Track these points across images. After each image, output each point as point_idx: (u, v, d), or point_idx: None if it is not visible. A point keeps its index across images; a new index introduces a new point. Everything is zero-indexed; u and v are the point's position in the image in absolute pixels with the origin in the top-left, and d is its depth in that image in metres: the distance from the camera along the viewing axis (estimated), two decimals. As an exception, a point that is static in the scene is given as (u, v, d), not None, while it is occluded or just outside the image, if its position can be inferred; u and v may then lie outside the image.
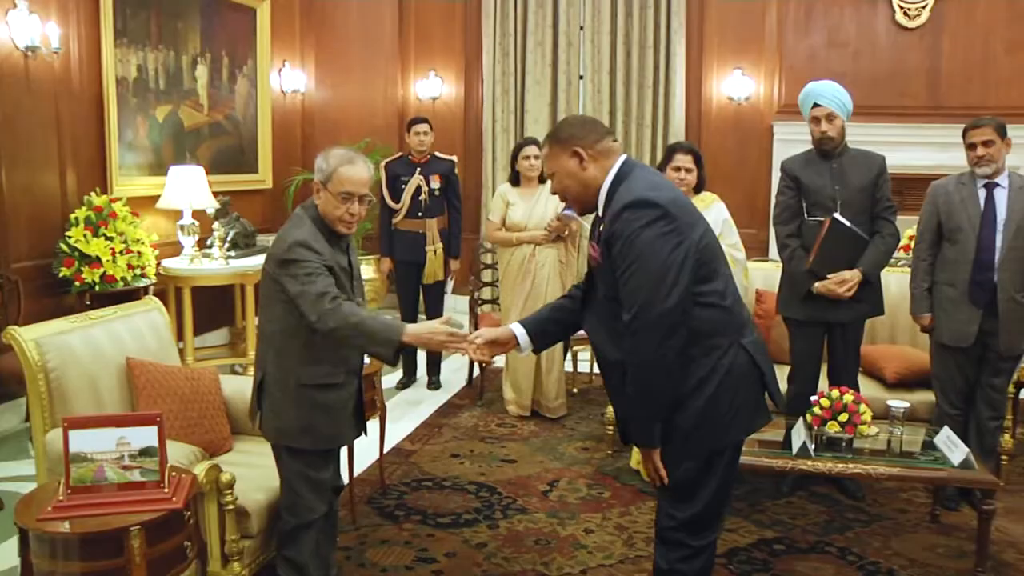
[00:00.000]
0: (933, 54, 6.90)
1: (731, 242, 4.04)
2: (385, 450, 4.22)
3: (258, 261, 5.99)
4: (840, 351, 3.96)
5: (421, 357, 5.83)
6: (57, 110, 4.97)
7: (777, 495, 3.96)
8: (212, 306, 6.08)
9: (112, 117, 5.27)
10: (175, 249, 5.65)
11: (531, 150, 4.89)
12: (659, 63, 7.03)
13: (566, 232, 4.85)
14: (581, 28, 7.20)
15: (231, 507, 2.70)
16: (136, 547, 2.15)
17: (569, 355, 5.45)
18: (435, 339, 2.61)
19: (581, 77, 7.28)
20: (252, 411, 2.82)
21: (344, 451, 3.27)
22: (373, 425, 3.53)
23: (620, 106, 7.12)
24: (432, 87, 7.61)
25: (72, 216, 4.93)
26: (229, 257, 5.76)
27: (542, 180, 4.92)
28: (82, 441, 2.25)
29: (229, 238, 5.92)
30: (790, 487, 4.01)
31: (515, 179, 5.01)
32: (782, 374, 4.14)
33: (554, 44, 7.22)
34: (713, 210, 4.05)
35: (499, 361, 5.46)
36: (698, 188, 4.06)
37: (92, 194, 5.03)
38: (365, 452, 3.95)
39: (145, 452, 2.29)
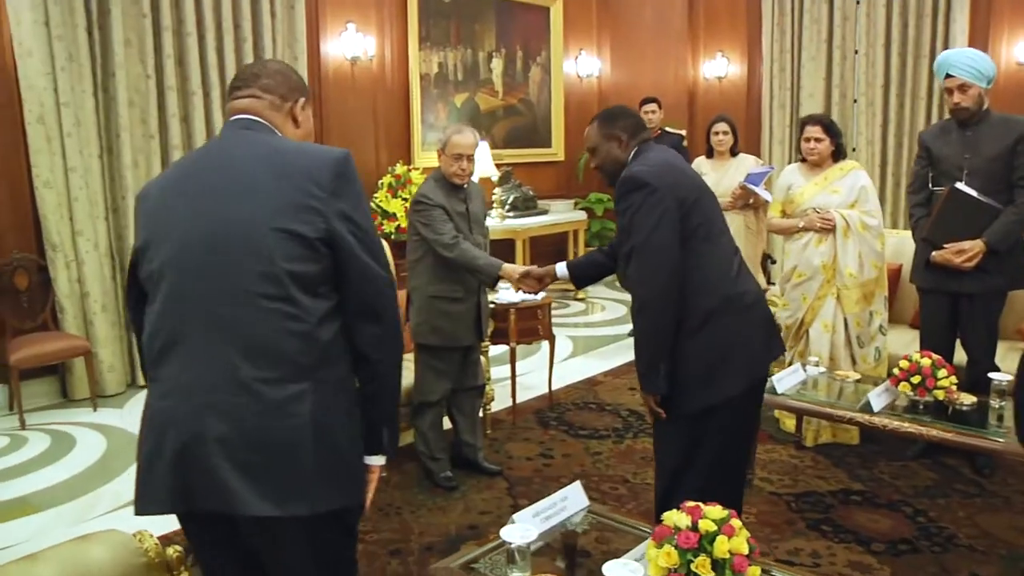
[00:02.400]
0: None
1: (865, 208, 4.20)
2: (578, 380, 5.37)
3: (532, 221, 7.36)
4: (968, 323, 4.01)
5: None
6: (374, 102, 6.80)
7: (897, 458, 4.16)
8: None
9: (416, 105, 6.98)
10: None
11: (720, 126, 5.54)
12: (937, 32, 6.89)
13: (751, 200, 5.40)
14: (858, 2, 7.32)
15: (377, 382, 3.99)
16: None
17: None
18: (512, 277, 3.63)
19: (856, 52, 7.40)
20: (404, 319, 4.08)
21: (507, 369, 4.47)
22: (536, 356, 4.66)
23: (895, 79, 7.11)
24: (719, 67, 8.26)
25: (379, 182, 6.72)
26: (506, 217, 7.19)
27: (733, 153, 5.54)
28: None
29: (509, 201, 7.36)
30: (916, 454, 4.19)
31: (709, 152, 5.69)
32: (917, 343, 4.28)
33: (830, 19, 7.42)
34: (850, 177, 4.23)
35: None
36: (836, 156, 4.30)
37: (397, 165, 6.78)
38: (559, 376, 5.26)
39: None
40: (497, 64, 7.59)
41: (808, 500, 3.79)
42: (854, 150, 7.53)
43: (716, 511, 2.15)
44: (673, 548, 2.09)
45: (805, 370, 3.99)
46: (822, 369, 4.05)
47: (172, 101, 5.47)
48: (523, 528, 2.34)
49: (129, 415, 5.01)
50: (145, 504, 1.76)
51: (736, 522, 2.13)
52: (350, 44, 6.51)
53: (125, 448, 4.50)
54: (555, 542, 2.55)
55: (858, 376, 4.01)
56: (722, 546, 2.07)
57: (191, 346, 1.73)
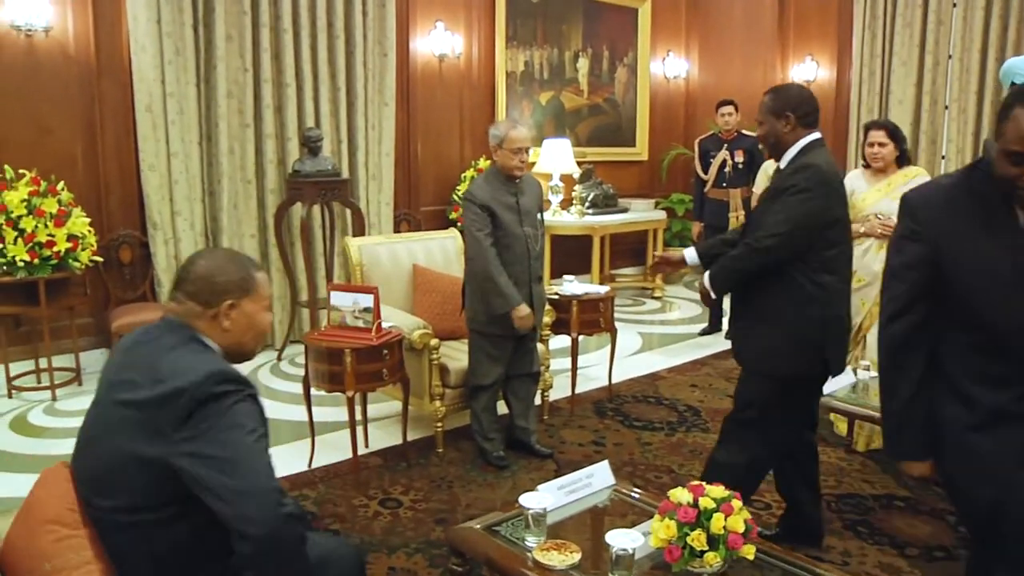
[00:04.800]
0: None
1: None
2: (642, 374, 5.50)
3: (611, 219, 7.50)
4: None
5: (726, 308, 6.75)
6: (460, 98, 7.07)
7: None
8: (571, 253, 7.66)
9: (501, 102, 7.22)
10: (544, 205, 7.40)
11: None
12: (1039, 36, 6.71)
13: None
14: (954, 5, 7.16)
15: (436, 362, 4.23)
16: (348, 361, 3.79)
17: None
18: (519, 316, 3.92)
19: (950, 56, 7.24)
20: (461, 307, 4.31)
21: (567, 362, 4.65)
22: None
23: (990, 85, 6.94)
24: (807, 71, 8.21)
25: (462, 175, 6.99)
26: (585, 213, 7.36)
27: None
28: (337, 299, 3.99)
29: (589, 198, 7.51)
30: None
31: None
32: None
33: (923, 23, 7.29)
34: (913, 184, 4.28)
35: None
36: (900, 162, 4.32)
37: (480, 159, 7.04)
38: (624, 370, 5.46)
39: (366, 310, 3.93)
40: (583, 63, 7.76)
41: (849, 502, 3.83)
42: (943, 158, 7.40)
43: (718, 491, 2.31)
44: (673, 522, 2.26)
45: (856, 374, 4.05)
46: (873, 373, 4.09)
47: (267, 92, 5.86)
48: (542, 497, 2.54)
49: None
50: None
51: (736, 503, 2.28)
52: (439, 42, 6.80)
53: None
54: (581, 516, 2.75)
55: (910, 382, 4.02)
56: (718, 523, 2.23)
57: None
